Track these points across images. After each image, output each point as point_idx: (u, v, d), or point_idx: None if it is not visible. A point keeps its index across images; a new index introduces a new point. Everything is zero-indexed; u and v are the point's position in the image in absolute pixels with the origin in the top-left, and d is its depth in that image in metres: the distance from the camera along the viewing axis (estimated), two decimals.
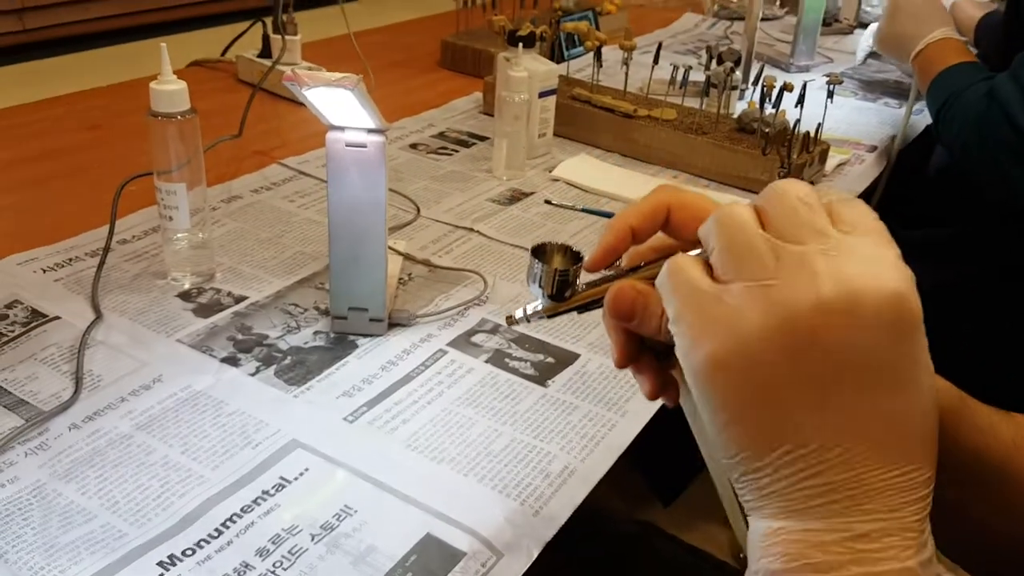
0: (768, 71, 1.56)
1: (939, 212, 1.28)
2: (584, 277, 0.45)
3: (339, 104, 0.66)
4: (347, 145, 0.71)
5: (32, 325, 0.77)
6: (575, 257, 0.45)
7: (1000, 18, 1.55)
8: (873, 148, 1.28)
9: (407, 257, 0.91)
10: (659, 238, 0.44)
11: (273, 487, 0.62)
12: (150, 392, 0.70)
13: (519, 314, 0.47)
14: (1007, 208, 1.09)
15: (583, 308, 0.45)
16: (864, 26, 1.90)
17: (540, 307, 0.46)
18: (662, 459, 0.71)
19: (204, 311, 0.81)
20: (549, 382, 0.75)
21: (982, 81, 1.06)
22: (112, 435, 0.66)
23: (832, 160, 1.19)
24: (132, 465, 0.63)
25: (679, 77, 1.24)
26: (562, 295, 0.44)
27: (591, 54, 1.29)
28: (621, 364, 0.44)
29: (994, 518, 0.43)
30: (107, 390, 0.70)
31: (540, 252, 0.45)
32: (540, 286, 0.44)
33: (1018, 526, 0.43)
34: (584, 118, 1.23)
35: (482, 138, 1.24)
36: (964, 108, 1.06)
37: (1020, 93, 0.98)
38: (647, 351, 0.44)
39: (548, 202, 1.07)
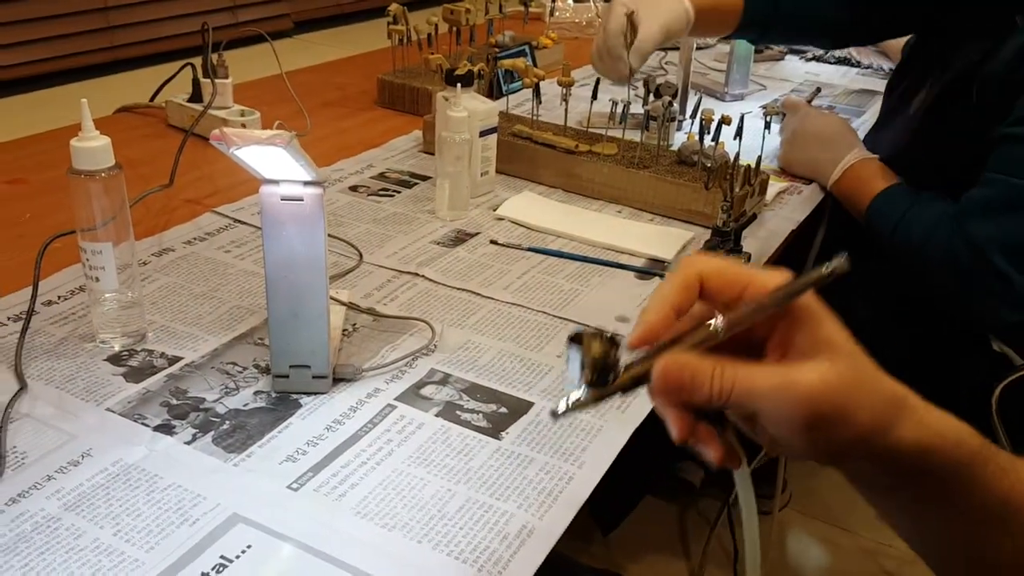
0: (704, 101, 1.58)
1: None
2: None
3: (272, 160, 0.63)
4: (282, 199, 0.68)
5: None
6: (612, 341, 0.44)
7: None
8: (809, 180, 1.29)
9: (350, 307, 0.88)
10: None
11: (213, 568, 0.58)
12: (79, 468, 0.66)
13: (562, 407, 0.45)
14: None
15: (628, 389, 0.44)
16: (795, 53, 1.94)
17: (583, 396, 0.44)
18: (603, 488, 0.69)
19: (136, 375, 0.77)
20: (503, 434, 0.72)
21: (934, 211, 1.05)
22: (38, 518, 0.61)
23: (772, 189, 1.20)
24: (60, 551, 0.59)
25: (618, 111, 1.24)
26: (605, 380, 0.44)
27: (530, 89, 1.28)
28: (682, 438, 0.44)
29: (1013, 564, 0.44)
30: (33, 468, 0.66)
31: (577, 340, 0.44)
32: (581, 375, 0.44)
33: None
34: (526, 155, 1.21)
35: (424, 178, 1.22)
36: (933, 254, 1.04)
37: (998, 231, 0.98)
38: (701, 420, 0.44)
39: (494, 242, 1.05)
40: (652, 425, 0.78)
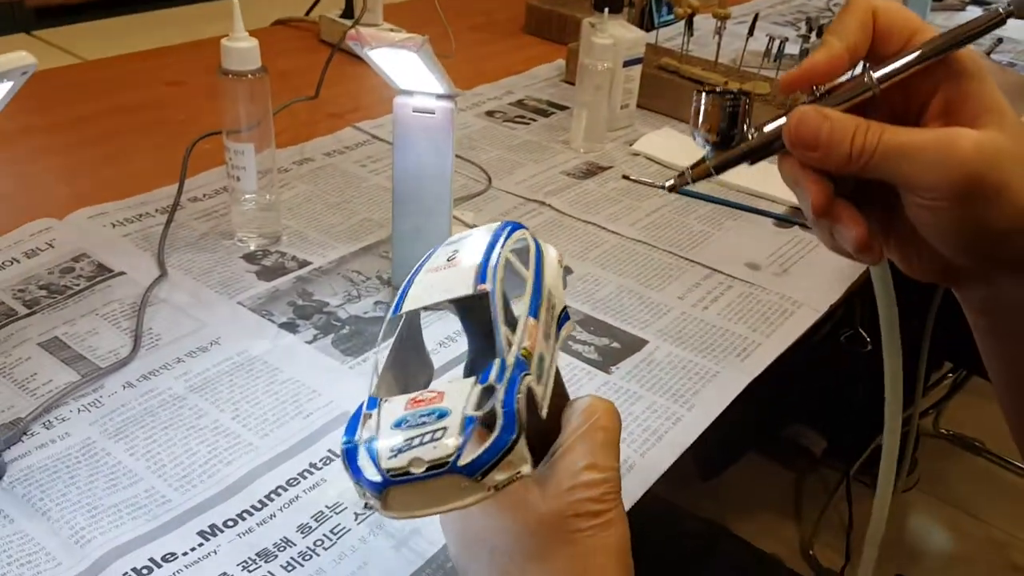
0: None
1: None
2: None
3: (405, 67, 0.63)
4: (414, 111, 0.68)
5: (96, 280, 0.77)
6: (742, 95, 0.39)
7: None
8: None
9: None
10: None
11: (321, 460, 0.60)
12: (207, 354, 0.69)
13: (681, 175, 0.41)
14: None
15: (756, 154, 0.39)
16: (978, 3, 1.77)
17: (708, 159, 0.40)
18: (708, 433, 0.67)
19: (267, 274, 0.80)
20: (613, 369, 0.71)
21: None
22: (165, 396, 0.65)
23: None
24: (182, 428, 0.62)
25: (774, 49, 1.17)
26: (730, 135, 0.39)
27: (682, 22, 1.23)
28: (821, 208, 0.39)
29: None
30: (165, 350, 0.70)
31: (705, 94, 0.40)
32: (707, 130, 0.39)
33: None
34: (670, 90, 1.17)
35: (562, 107, 1.19)
36: None
37: None
38: (839, 199, 0.39)
39: (626, 177, 1.02)
40: (768, 377, 0.75)
